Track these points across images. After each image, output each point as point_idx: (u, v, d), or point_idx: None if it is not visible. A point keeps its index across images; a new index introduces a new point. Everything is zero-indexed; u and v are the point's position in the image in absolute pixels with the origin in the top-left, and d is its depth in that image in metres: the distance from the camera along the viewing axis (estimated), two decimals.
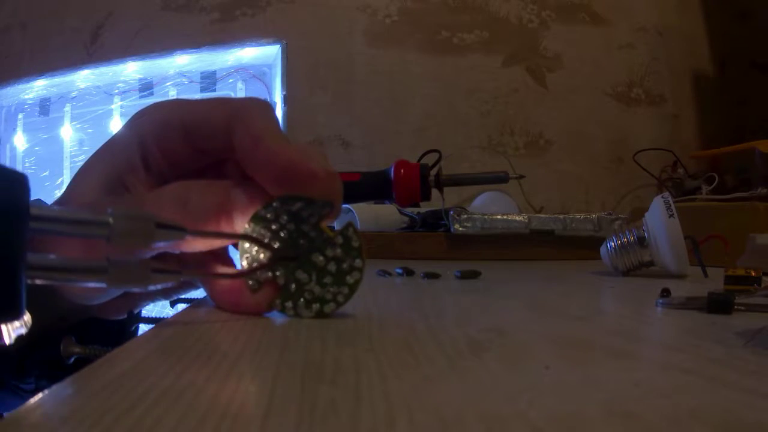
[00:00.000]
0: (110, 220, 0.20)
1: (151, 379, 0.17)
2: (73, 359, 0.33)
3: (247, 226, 0.25)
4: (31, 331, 0.29)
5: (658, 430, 0.13)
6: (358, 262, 0.26)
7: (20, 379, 0.31)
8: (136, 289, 0.22)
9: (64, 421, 0.13)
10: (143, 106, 0.28)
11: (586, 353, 0.22)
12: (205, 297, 0.35)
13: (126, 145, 0.27)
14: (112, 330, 0.35)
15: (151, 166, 0.27)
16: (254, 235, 0.25)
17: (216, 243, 0.27)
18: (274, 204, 0.25)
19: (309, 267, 0.26)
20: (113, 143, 0.28)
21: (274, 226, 0.25)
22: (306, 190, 0.25)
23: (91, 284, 0.21)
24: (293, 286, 0.26)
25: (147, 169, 0.27)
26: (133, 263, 0.21)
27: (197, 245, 0.26)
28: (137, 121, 0.28)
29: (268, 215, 0.25)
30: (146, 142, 0.27)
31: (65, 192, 0.28)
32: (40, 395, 0.15)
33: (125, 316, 0.33)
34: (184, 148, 0.27)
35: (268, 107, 0.27)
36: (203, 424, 0.13)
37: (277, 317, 0.26)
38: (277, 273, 0.26)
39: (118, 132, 0.28)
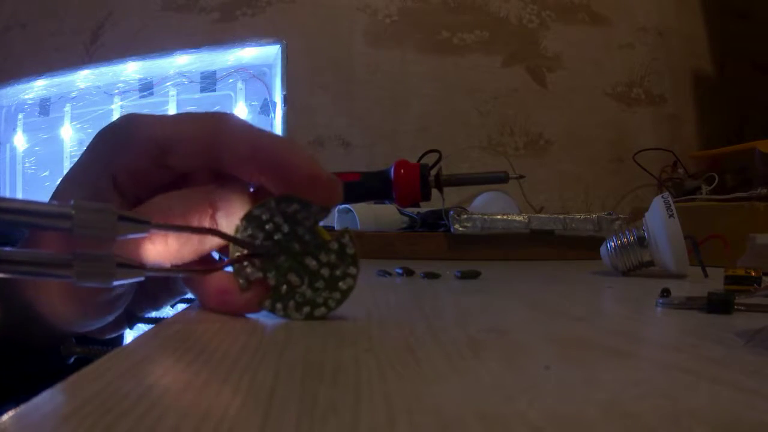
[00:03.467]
0: (72, 212, 0.20)
1: (151, 379, 0.17)
2: (73, 359, 0.33)
3: (239, 223, 0.25)
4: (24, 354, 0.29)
5: (658, 430, 0.13)
6: (352, 270, 0.26)
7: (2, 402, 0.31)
8: (101, 285, 0.21)
9: (64, 421, 0.13)
10: (104, 126, 0.27)
11: (586, 353, 0.22)
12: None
13: (93, 175, 0.26)
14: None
15: (123, 191, 0.26)
16: (247, 234, 0.25)
17: (201, 248, 0.26)
18: (270, 204, 0.25)
19: (302, 270, 0.26)
20: (78, 175, 0.27)
21: (267, 227, 0.25)
22: (308, 193, 0.25)
23: (57, 278, 0.21)
24: (284, 287, 0.26)
25: (120, 194, 0.26)
26: (99, 257, 0.21)
27: (182, 252, 0.25)
28: (99, 148, 0.27)
29: (263, 216, 0.25)
30: (113, 168, 0.26)
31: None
32: (40, 395, 0.15)
33: (117, 334, 0.32)
34: (153, 166, 0.26)
35: (237, 116, 0.27)
36: (203, 424, 0.13)
37: (276, 319, 0.26)
38: (269, 274, 0.26)
39: (81, 163, 0.27)
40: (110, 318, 0.28)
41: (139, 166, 0.26)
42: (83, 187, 0.26)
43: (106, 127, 0.27)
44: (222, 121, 0.26)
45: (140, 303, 0.30)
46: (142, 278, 0.23)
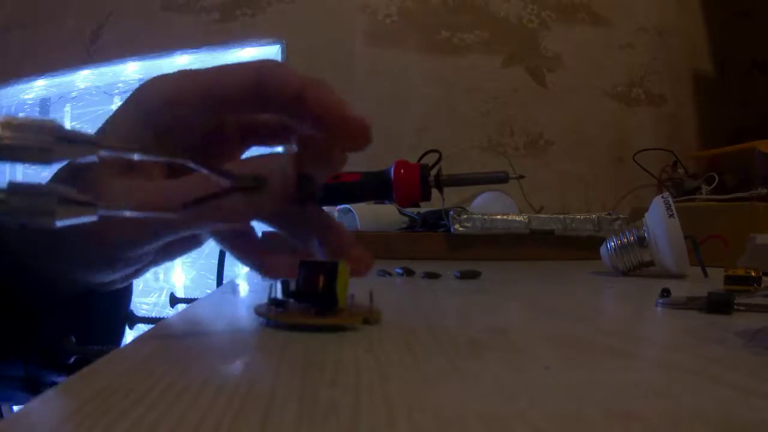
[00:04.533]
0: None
1: (151, 379, 0.17)
2: (73, 359, 0.33)
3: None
4: (18, 311, 0.29)
5: (658, 430, 0.13)
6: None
7: (6, 362, 0.31)
8: (43, 225, 0.19)
9: (64, 421, 0.13)
10: (147, 81, 0.28)
11: (586, 353, 0.22)
12: (203, 298, 0.35)
13: (132, 125, 0.27)
14: (108, 328, 0.35)
15: (161, 137, 0.27)
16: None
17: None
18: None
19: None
20: (116, 126, 0.27)
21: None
22: (342, 134, 0.26)
23: None
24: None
25: (157, 140, 0.27)
26: (39, 191, 0.19)
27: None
28: (141, 98, 0.27)
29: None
30: (155, 117, 0.27)
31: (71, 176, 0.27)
32: (40, 395, 0.15)
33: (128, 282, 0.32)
34: (197, 114, 0.27)
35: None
36: (203, 423, 0.13)
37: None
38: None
39: (121, 112, 0.27)
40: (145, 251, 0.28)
41: (180, 112, 0.27)
42: (121, 138, 0.27)
43: (149, 81, 0.28)
44: (268, 63, 0.27)
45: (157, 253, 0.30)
46: (94, 217, 0.21)
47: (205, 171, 0.23)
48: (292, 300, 0.26)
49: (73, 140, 0.19)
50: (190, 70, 0.27)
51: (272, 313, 0.25)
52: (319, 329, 0.24)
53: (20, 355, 0.31)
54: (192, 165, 0.23)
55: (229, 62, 0.27)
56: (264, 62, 0.27)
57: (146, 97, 0.27)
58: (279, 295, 0.26)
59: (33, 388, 0.32)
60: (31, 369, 0.31)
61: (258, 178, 0.24)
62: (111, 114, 0.28)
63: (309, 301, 0.25)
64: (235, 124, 0.30)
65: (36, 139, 0.18)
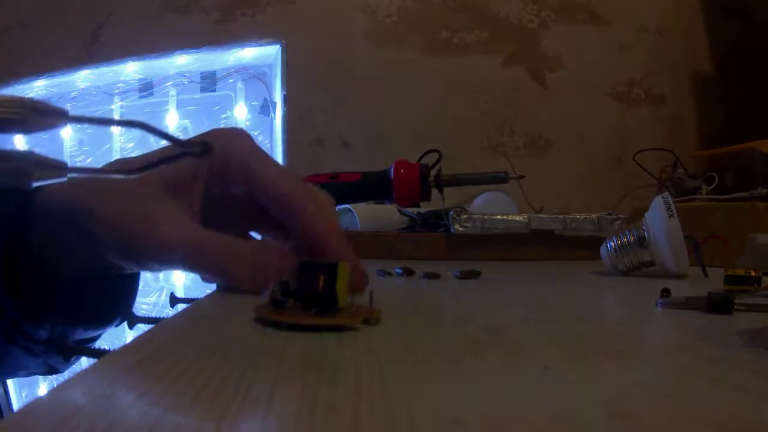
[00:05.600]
0: None
1: (150, 379, 0.17)
2: (73, 359, 0.33)
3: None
4: (52, 272, 0.30)
5: (658, 430, 0.13)
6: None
7: (34, 323, 0.31)
8: (21, 185, 0.21)
9: (64, 420, 0.13)
10: (236, 130, 0.32)
11: (586, 353, 0.22)
12: (203, 298, 0.35)
13: (187, 178, 0.30)
14: (119, 302, 0.35)
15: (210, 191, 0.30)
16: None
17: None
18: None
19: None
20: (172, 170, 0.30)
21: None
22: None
23: None
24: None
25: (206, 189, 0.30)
26: (17, 156, 0.21)
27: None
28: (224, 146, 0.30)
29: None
30: (208, 181, 0.30)
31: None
32: (39, 396, 0.15)
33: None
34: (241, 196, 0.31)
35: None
36: (203, 424, 0.13)
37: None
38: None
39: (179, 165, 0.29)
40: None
41: (234, 194, 0.31)
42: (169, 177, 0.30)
43: (222, 134, 0.31)
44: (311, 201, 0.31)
45: None
46: (64, 179, 0.23)
47: (154, 135, 0.25)
48: (292, 300, 0.26)
49: (44, 112, 0.21)
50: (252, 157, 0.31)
51: (272, 313, 0.25)
52: (319, 329, 0.24)
53: (51, 316, 0.32)
54: (143, 129, 0.25)
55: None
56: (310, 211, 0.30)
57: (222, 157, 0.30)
58: (279, 295, 0.26)
59: (60, 351, 0.32)
60: (56, 331, 0.32)
61: (206, 144, 0.26)
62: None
63: (309, 301, 0.25)
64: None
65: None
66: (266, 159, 0.32)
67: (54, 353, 0.34)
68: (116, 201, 0.29)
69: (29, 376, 0.37)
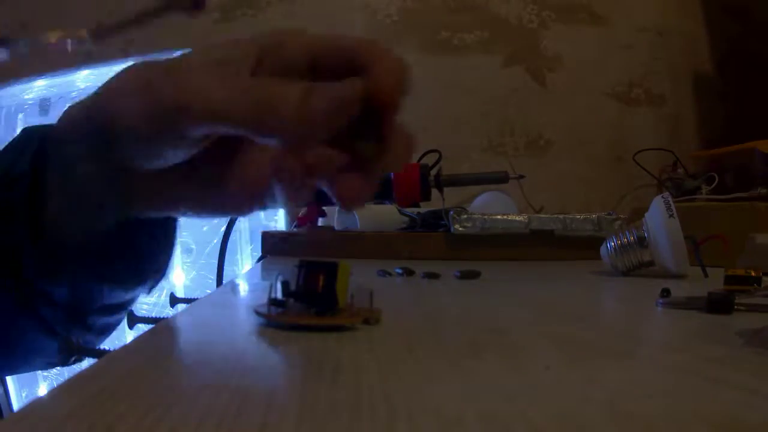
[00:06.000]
0: None
1: (151, 380, 0.17)
2: (73, 359, 0.33)
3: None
4: (70, 228, 0.29)
5: (659, 430, 0.13)
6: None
7: (53, 280, 0.30)
8: None
9: (65, 420, 0.13)
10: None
11: (586, 353, 0.22)
12: (203, 298, 0.35)
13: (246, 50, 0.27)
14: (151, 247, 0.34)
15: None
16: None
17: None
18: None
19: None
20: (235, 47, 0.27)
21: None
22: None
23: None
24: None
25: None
26: None
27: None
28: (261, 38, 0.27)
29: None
30: (264, 54, 0.27)
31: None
32: (39, 396, 0.15)
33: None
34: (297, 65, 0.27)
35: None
36: (203, 423, 0.13)
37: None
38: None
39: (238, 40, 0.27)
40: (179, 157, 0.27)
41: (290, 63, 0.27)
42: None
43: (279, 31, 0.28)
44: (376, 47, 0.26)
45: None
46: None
47: None
48: (292, 300, 0.26)
49: None
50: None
51: (272, 314, 0.25)
52: (319, 329, 0.24)
53: (70, 275, 0.31)
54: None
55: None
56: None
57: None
58: (279, 295, 0.26)
59: (72, 317, 0.31)
60: (79, 287, 0.31)
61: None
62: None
63: (309, 301, 0.25)
64: None
65: None
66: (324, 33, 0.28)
67: (76, 326, 0.32)
68: (139, 79, 0.27)
69: (44, 367, 0.35)
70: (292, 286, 0.26)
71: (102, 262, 0.31)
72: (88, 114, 0.28)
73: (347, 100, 0.24)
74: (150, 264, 0.34)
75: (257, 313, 0.25)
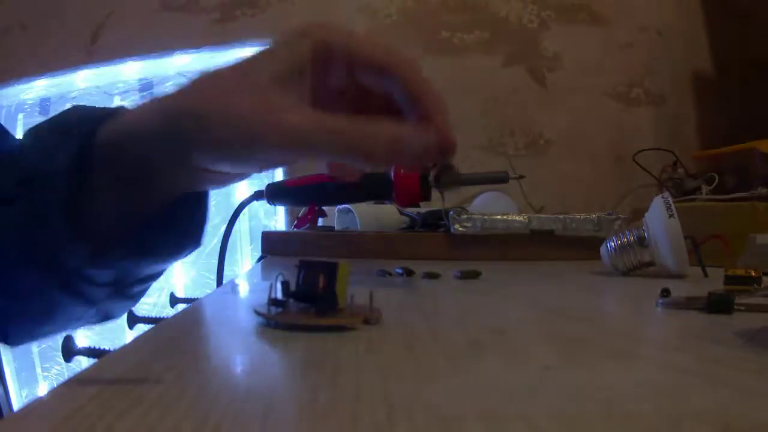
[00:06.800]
0: None
1: (151, 379, 0.17)
2: (73, 359, 0.33)
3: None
4: (121, 212, 0.29)
5: (659, 430, 0.13)
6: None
7: (100, 266, 0.31)
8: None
9: (65, 419, 0.13)
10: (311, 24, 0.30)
11: (586, 353, 0.22)
12: (203, 298, 0.35)
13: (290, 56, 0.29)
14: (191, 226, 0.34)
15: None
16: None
17: None
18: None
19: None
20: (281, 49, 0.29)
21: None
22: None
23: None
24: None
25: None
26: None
27: None
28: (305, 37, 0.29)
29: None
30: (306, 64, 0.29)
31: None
32: (39, 396, 0.15)
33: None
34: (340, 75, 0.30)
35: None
36: (204, 423, 0.13)
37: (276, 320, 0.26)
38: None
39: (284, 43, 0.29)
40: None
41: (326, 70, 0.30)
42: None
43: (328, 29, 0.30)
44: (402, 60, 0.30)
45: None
46: None
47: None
48: (292, 300, 0.26)
49: None
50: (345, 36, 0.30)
51: (272, 314, 0.25)
52: (319, 329, 0.24)
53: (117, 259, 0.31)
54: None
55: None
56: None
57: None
58: (279, 295, 0.26)
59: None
60: (123, 268, 0.32)
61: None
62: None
63: (309, 301, 0.25)
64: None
65: None
66: (364, 38, 0.30)
67: (114, 297, 0.33)
68: (226, 95, 0.27)
69: (81, 326, 0.36)
70: (292, 286, 0.26)
71: (144, 241, 0.31)
72: (168, 114, 0.29)
73: (427, 152, 0.29)
74: (189, 237, 0.34)
75: (257, 313, 0.25)
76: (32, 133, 0.31)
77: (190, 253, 0.35)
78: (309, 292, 0.25)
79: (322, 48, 0.29)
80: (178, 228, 0.33)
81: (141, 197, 0.30)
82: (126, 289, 0.34)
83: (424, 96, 0.30)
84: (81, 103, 0.32)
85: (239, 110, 0.26)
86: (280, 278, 0.26)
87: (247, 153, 0.27)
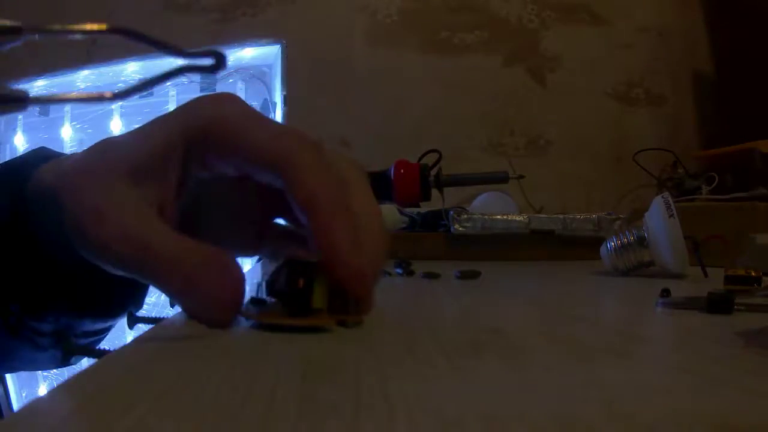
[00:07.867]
0: None
1: (150, 379, 0.17)
2: (73, 359, 0.33)
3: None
4: (52, 262, 0.29)
5: (658, 430, 0.13)
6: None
7: (39, 317, 0.30)
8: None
9: (64, 420, 0.13)
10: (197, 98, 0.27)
11: (586, 353, 0.22)
12: None
13: (171, 134, 0.25)
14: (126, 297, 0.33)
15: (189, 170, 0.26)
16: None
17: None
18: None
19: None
20: (158, 125, 0.26)
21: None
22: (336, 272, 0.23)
23: None
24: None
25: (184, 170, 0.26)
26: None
27: None
28: (189, 119, 0.26)
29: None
30: (192, 147, 0.25)
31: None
32: (39, 396, 0.15)
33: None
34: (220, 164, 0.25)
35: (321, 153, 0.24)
36: (203, 424, 0.13)
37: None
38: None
39: (170, 119, 0.26)
40: None
41: (209, 159, 0.25)
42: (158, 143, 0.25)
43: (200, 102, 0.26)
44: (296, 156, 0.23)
45: None
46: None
47: (142, 42, 0.23)
48: (270, 299, 0.26)
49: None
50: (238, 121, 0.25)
51: (250, 312, 0.25)
52: (295, 330, 0.23)
53: (56, 310, 0.31)
54: (127, 36, 0.22)
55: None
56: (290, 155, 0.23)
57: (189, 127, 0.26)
58: (264, 294, 0.26)
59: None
60: (62, 322, 0.31)
61: (218, 54, 0.23)
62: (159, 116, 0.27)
63: (288, 300, 0.25)
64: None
65: None
66: (258, 120, 0.25)
67: (62, 347, 0.33)
68: (76, 184, 0.24)
69: (44, 369, 0.36)
70: (277, 286, 0.25)
71: (80, 299, 0.31)
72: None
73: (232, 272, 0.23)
74: (126, 297, 0.34)
75: (240, 313, 0.25)
76: None
77: (134, 310, 0.33)
78: (285, 291, 0.25)
79: (194, 134, 0.25)
80: (116, 287, 0.31)
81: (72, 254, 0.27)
82: (71, 340, 0.33)
83: (314, 211, 0.23)
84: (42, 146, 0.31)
85: (75, 208, 0.23)
86: (266, 277, 0.26)
87: (88, 255, 0.24)
